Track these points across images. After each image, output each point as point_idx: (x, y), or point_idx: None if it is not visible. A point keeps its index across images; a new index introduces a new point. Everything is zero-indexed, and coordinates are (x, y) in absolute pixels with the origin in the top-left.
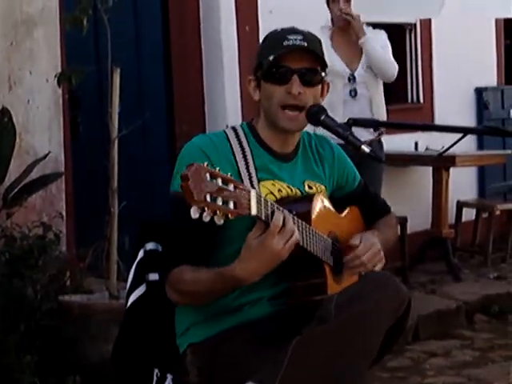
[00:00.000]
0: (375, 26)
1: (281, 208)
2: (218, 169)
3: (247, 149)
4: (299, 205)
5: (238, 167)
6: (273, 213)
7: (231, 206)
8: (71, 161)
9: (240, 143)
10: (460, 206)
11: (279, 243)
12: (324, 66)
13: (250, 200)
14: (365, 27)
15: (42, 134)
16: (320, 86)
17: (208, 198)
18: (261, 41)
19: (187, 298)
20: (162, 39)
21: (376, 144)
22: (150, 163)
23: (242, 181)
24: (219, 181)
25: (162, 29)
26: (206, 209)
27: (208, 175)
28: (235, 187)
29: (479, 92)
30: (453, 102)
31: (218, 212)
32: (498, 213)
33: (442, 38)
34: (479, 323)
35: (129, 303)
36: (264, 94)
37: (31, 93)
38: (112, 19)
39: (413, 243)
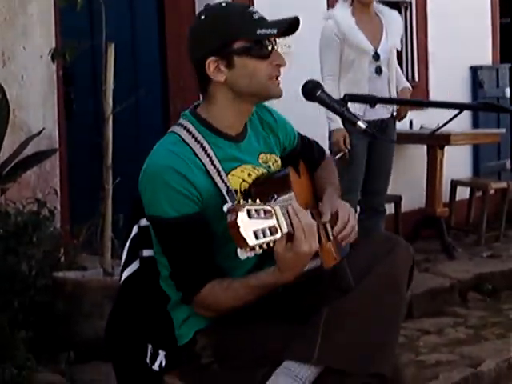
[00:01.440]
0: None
1: (290, 209)
2: (250, 202)
3: (205, 143)
4: (274, 186)
5: (205, 168)
6: (289, 216)
7: (268, 233)
8: (65, 137)
9: (196, 140)
10: (454, 184)
11: (311, 243)
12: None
13: (277, 218)
14: (383, 8)
15: (36, 111)
16: None
17: (254, 239)
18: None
19: (225, 312)
20: (157, 16)
21: (391, 122)
22: (144, 140)
23: (213, 181)
24: (254, 214)
25: (157, 5)
26: (257, 248)
27: (246, 213)
28: (265, 212)
29: (474, 70)
30: (448, 81)
31: (264, 246)
32: (492, 192)
33: (437, 16)
34: (472, 301)
35: (122, 279)
36: (242, 70)
37: (25, 69)
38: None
39: (407, 222)
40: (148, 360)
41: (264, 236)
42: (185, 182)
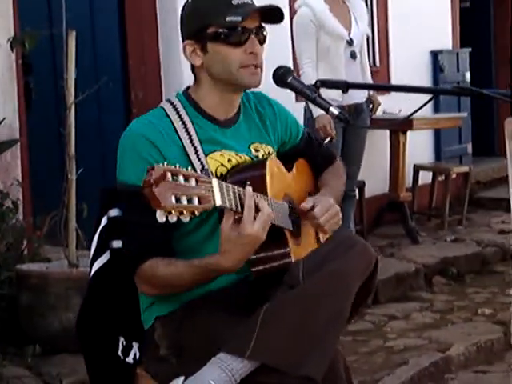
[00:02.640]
0: None
1: (245, 190)
2: (178, 166)
3: (188, 122)
4: (252, 173)
5: (182, 144)
6: (240, 198)
7: (196, 202)
8: (26, 127)
9: (180, 117)
10: (416, 169)
11: (259, 228)
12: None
13: (213, 191)
14: None
15: None
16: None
17: (173, 201)
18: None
19: (165, 291)
20: (117, 4)
21: (366, 106)
22: (106, 130)
23: (189, 158)
24: (181, 178)
25: None
26: (173, 211)
27: (169, 175)
28: (197, 181)
29: (435, 55)
30: (408, 65)
31: (184, 212)
32: (454, 176)
33: (398, 1)
34: (438, 285)
35: (93, 271)
36: (215, 56)
37: None
38: None
39: (371, 207)
40: (120, 353)
41: (189, 202)
42: (154, 152)
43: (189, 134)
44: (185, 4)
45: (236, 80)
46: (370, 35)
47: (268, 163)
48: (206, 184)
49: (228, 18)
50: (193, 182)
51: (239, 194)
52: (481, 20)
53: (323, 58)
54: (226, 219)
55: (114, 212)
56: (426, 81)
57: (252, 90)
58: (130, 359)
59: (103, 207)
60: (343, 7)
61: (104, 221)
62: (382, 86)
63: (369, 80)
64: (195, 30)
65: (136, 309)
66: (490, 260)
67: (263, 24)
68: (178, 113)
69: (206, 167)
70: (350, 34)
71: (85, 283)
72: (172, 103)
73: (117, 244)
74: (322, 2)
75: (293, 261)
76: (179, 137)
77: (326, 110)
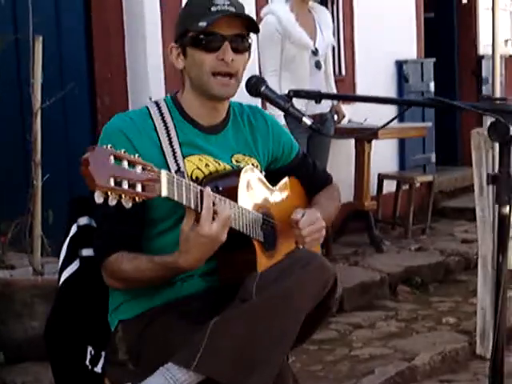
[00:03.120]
0: None
1: (201, 188)
2: (123, 151)
3: (170, 124)
4: (226, 180)
5: (160, 144)
6: (200, 198)
7: (139, 188)
8: None
9: (163, 118)
10: (381, 178)
11: (217, 228)
12: (249, 32)
13: (160, 180)
14: (314, 4)
15: None
16: (248, 53)
17: (112, 183)
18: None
19: (129, 285)
20: (83, 10)
21: (330, 116)
22: (72, 135)
23: (165, 158)
24: (125, 163)
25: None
26: (110, 193)
27: (112, 158)
28: (143, 169)
29: (399, 65)
30: (374, 75)
31: (123, 196)
32: (417, 185)
33: (364, 10)
34: (402, 294)
35: (62, 279)
36: (192, 61)
37: None
38: None
39: (336, 215)
40: (88, 362)
41: (130, 187)
42: (129, 147)
43: (169, 135)
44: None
45: (207, 89)
46: (336, 45)
47: (243, 172)
48: (154, 173)
49: (200, 23)
50: (139, 170)
51: (198, 194)
52: (445, 30)
53: (288, 67)
54: (187, 219)
55: (83, 220)
56: (391, 90)
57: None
58: (98, 368)
59: (73, 216)
60: (309, 16)
61: (73, 229)
62: (357, 96)
63: (333, 90)
64: (179, 34)
65: (105, 318)
66: (453, 269)
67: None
68: (161, 114)
69: (181, 169)
70: (315, 43)
71: (50, 291)
72: (158, 104)
73: (86, 252)
74: (288, 10)
75: (258, 271)
76: (158, 137)
77: (299, 120)
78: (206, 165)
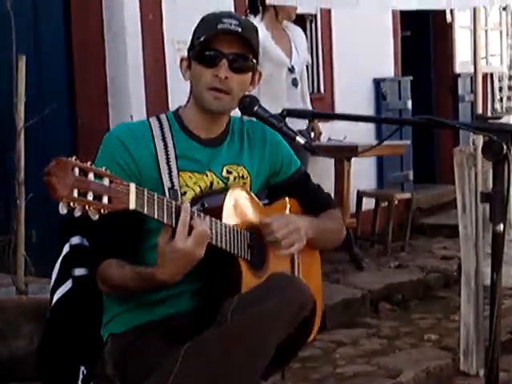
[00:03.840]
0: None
1: (184, 206)
2: (89, 163)
3: (169, 136)
4: (213, 198)
5: (157, 158)
6: (174, 211)
7: (105, 200)
8: None
9: (162, 131)
10: (360, 195)
11: (192, 244)
12: (257, 54)
13: (128, 194)
14: (288, 24)
15: None
16: (250, 74)
17: (75, 193)
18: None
19: (118, 290)
20: (64, 28)
21: (306, 133)
22: (52, 155)
23: (159, 174)
24: (91, 175)
25: (63, 17)
26: (73, 204)
27: (77, 170)
28: (111, 181)
29: (377, 83)
30: (352, 93)
31: (88, 207)
32: (396, 202)
33: (342, 29)
34: (384, 311)
35: (54, 299)
36: (193, 74)
37: None
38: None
39: (336, 240)
40: (80, 382)
41: (95, 199)
42: (126, 156)
43: (166, 147)
44: None
45: (202, 102)
46: (315, 63)
47: (230, 190)
48: (122, 186)
49: (202, 38)
50: (106, 182)
51: (173, 209)
52: (421, 48)
53: (265, 84)
54: (163, 233)
55: (75, 240)
56: (369, 108)
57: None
58: None
59: (65, 235)
60: (284, 35)
61: (66, 249)
62: (349, 115)
63: (309, 107)
64: (189, 46)
65: (98, 338)
66: (433, 286)
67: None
68: (161, 127)
69: (175, 187)
70: (291, 61)
71: (35, 310)
72: (158, 118)
73: (79, 272)
74: (264, 29)
75: (243, 291)
76: (156, 149)
77: (293, 139)
78: (195, 182)
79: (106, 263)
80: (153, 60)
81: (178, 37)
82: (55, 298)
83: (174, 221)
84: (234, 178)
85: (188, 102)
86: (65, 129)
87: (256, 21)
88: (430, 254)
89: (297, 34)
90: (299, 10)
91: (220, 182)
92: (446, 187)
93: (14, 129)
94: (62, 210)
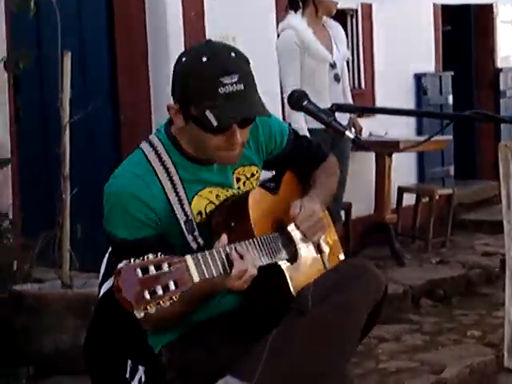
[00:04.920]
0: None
1: (221, 249)
2: (146, 257)
3: (171, 167)
4: (235, 213)
5: (165, 193)
6: (225, 258)
7: (172, 286)
8: (17, 147)
9: (162, 163)
10: (401, 191)
11: (241, 286)
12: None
13: (189, 270)
14: (327, 19)
15: None
16: None
17: (147, 296)
18: (180, 70)
19: (159, 327)
20: (107, 26)
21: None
22: (96, 149)
23: (172, 210)
24: (152, 268)
25: (106, 15)
26: (148, 307)
27: (139, 271)
28: (169, 265)
29: (418, 78)
30: (393, 88)
31: (161, 302)
32: (437, 198)
33: (383, 23)
34: (425, 307)
35: (101, 292)
36: (193, 135)
37: None
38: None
39: (356, 228)
40: (128, 375)
41: (165, 289)
42: (144, 208)
43: (171, 179)
44: (178, 60)
45: (211, 157)
46: (355, 58)
47: (250, 200)
48: (181, 264)
49: (207, 113)
50: (165, 268)
51: (224, 258)
52: (462, 43)
53: (307, 80)
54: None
55: None
56: (409, 103)
57: None
58: (135, 382)
59: None
60: (324, 31)
61: (113, 249)
62: (398, 110)
63: (350, 102)
64: (179, 98)
65: (143, 332)
66: (475, 282)
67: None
68: (159, 157)
69: (190, 218)
70: (332, 56)
71: (80, 304)
72: (153, 146)
73: None
74: (306, 25)
75: (292, 289)
76: (162, 184)
77: (342, 134)
78: (217, 195)
79: None
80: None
81: (219, 33)
82: (102, 290)
83: (227, 268)
84: (244, 183)
85: (179, 129)
86: (108, 124)
87: (297, 17)
88: (471, 250)
89: (336, 29)
90: (340, 5)
91: (236, 192)
92: (487, 183)
93: (58, 124)
94: (139, 315)
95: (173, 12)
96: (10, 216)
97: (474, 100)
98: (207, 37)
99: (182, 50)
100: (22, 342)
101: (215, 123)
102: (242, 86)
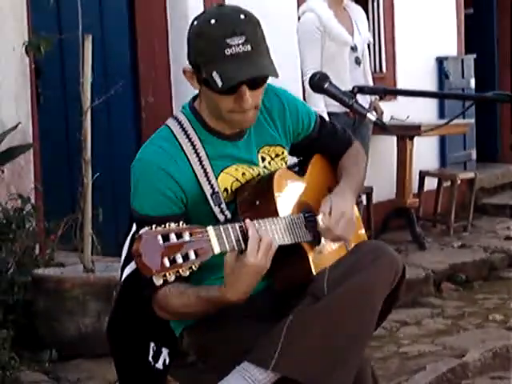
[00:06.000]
0: None
1: (247, 222)
2: (168, 224)
3: (196, 141)
4: (260, 192)
5: (192, 167)
6: (243, 232)
7: (192, 256)
8: (38, 132)
9: (188, 137)
10: (422, 175)
11: (262, 259)
12: (267, 47)
13: (210, 240)
14: (349, 2)
15: (9, 105)
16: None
17: (167, 263)
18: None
19: (178, 317)
20: (127, 9)
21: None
22: (117, 134)
23: (198, 182)
24: (173, 236)
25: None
26: (168, 274)
27: (160, 238)
28: (191, 234)
29: (440, 61)
30: (414, 72)
31: (181, 270)
32: (458, 182)
33: (404, 7)
34: (447, 291)
35: (124, 276)
36: (206, 97)
37: None
38: None
39: (378, 213)
40: (151, 358)
41: (185, 258)
42: (171, 182)
43: (197, 152)
44: (191, 24)
45: (225, 121)
46: (377, 42)
47: (275, 180)
48: (202, 234)
49: (214, 74)
50: (187, 237)
51: (244, 229)
52: (484, 26)
53: (328, 64)
54: (231, 251)
55: None
56: (431, 87)
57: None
58: (159, 365)
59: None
60: (345, 14)
61: (135, 226)
62: (421, 92)
63: (370, 84)
64: (192, 62)
65: None
66: (497, 266)
67: None
68: (185, 132)
69: (216, 190)
70: (353, 39)
71: (102, 288)
72: (178, 121)
73: None
74: (327, 7)
75: (314, 271)
76: (188, 158)
77: (364, 116)
78: (243, 174)
79: (162, 292)
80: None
81: None
82: (125, 274)
83: (242, 243)
84: (269, 163)
85: (201, 100)
86: (128, 108)
87: (315, 1)
88: (493, 234)
89: (358, 12)
90: None
91: (261, 171)
92: (509, 167)
93: (80, 108)
94: (158, 281)
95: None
96: (32, 200)
97: (496, 83)
98: None
99: None
100: (44, 326)
101: (220, 84)
102: (249, 47)
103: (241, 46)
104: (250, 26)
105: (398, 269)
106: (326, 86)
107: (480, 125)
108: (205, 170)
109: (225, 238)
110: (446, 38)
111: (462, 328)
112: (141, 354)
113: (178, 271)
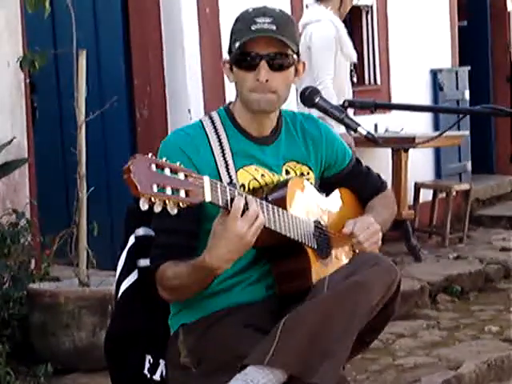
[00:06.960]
0: None
1: (242, 193)
2: (164, 159)
3: (223, 134)
4: (275, 191)
5: (214, 156)
6: (233, 198)
7: (182, 194)
8: (33, 146)
9: (216, 130)
10: (418, 187)
11: (242, 226)
12: (297, 46)
13: (203, 187)
14: None
15: (4, 119)
16: (293, 68)
17: (155, 189)
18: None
19: (173, 293)
20: (122, 23)
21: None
22: (111, 148)
23: (218, 170)
24: (167, 171)
25: (122, 12)
26: (154, 199)
27: (154, 166)
28: (186, 176)
29: (434, 73)
30: (409, 84)
31: (167, 202)
32: (454, 193)
33: (398, 19)
34: (443, 303)
35: (121, 290)
36: (236, 78)
37: None
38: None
39: (391, 223)
40: (146, 371)
41: (173, 193)
42: (189, 165)
43: (221, 145)
44: None
45: (248, 104)
46: (371, 54)
47: (291, 182)
48: (197, 180)
49: (237, 44)
50: (181, 176)
51: (233, 196)
52: (478, 38)
53: (336, 75)
54: (220, 216)
55: (141, 231)
56: (426, 99)
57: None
58: (157, 377)
59: (130, 226)
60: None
61: (131, 240)
62: (409, 105)
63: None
64: (228, 49)
65: (164, 327)
66: (493, 277)
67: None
68: (214, 126)
69: (234, 181)
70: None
71: (97, 302)
72: (211, 117)
73: (144, 263)
74: (340, 20)
75: (313, 280)
76: (212, 149)
77: (354, 130)
78: (262, 175)
79: (164, 266)
80: (210, 54)
81: None
82: (122, 288)
83: (229, 204)
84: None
85: (236, 99)
86: (124, 123)
87: (327, 10)
88: (488, 246)
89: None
90: (355, 2)
91: (281, 178)
92: (504, 178)
93: (74, 123)
94: (144, 205)
95: (187, 10)
96: (27, 215)
97: (491, 95)
98: (222, 34)
99: (197, 47)
100: (40, 340)
101: (237, 44)
102: (273, 27)
103: (266, 24)
104: (281, 16)
105: (394, 277)
106: (317, 100)
107: (475, 136)
108: (226, 162)
109: (219, 193)
110: (441, 51)
111: (457, 340)
112: (137, 367)
113: (164, 202)
